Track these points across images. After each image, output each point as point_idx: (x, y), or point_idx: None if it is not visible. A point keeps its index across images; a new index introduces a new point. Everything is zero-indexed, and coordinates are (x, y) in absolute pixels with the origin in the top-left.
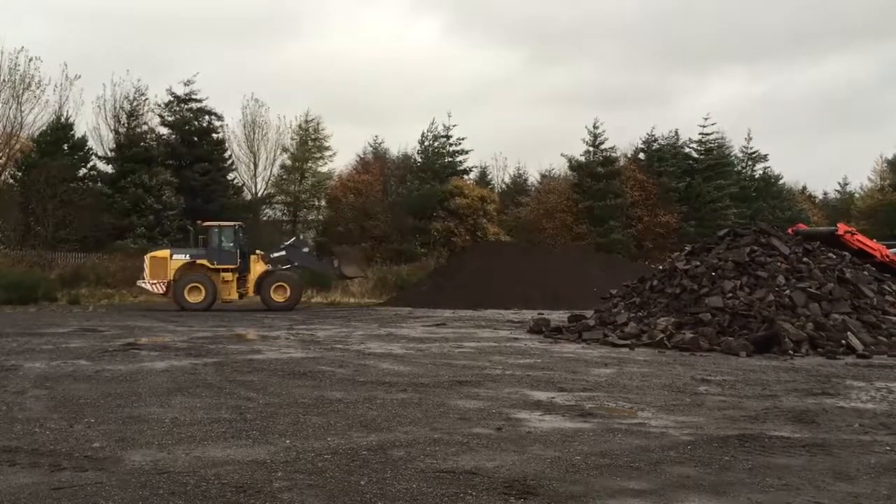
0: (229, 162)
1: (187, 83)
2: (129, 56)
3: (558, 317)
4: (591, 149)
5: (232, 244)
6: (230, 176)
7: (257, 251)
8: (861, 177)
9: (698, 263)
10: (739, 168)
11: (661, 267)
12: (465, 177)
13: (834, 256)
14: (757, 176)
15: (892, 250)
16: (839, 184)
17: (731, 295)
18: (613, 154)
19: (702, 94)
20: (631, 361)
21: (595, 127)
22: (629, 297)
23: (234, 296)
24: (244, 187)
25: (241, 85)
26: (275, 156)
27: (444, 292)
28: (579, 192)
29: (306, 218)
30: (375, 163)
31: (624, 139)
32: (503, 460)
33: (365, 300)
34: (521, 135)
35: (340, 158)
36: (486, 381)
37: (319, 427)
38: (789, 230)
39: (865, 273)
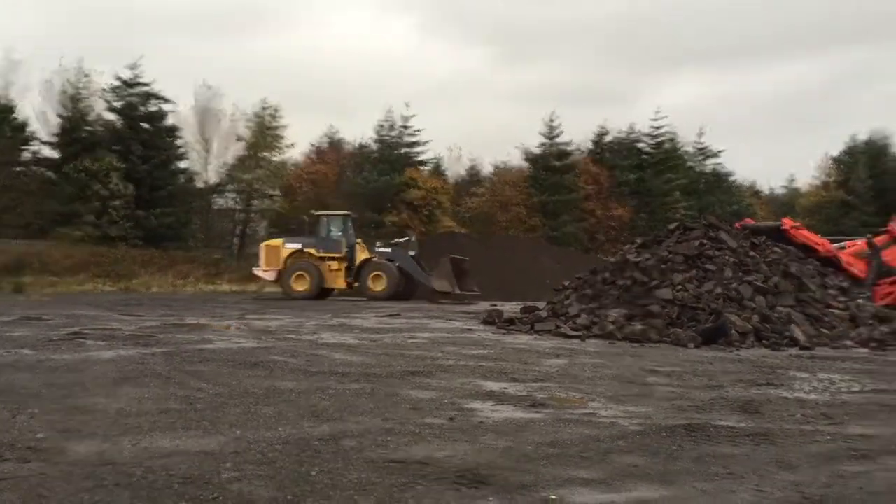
0: (181, 150)
1: (133, 67)
2: (93, 49)
3: (511, 308)
4: (547, 141)
5: (340, 233)
6: (182, 164)
7: (358, 240)
8: (808, 174)
9: (649, 256)
10: (691, 163)
11: (612, 259)
12: (422, 168)
13: (779, 251)
14: (707, 171)
15: (835, 245)
16: (787, 180)
17: (680, 287)
18: (568, 148)
19: (665, 95)
20: (582, 352)
21: (551, 120)
22: (581, 288)
23: (342, 284)
24: (195, 175)
25: (210, 79)
26: (228, 144)
27: None
28: (534, 186)
29: (260, 207)
30: (331, 153)
31: (585, 136)
32: (455, 450)
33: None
34: (487, 132)
35: (301, 150)
36: (439, 371)
37: (270, 417)
38: (737, 224)
39: (809, 267)
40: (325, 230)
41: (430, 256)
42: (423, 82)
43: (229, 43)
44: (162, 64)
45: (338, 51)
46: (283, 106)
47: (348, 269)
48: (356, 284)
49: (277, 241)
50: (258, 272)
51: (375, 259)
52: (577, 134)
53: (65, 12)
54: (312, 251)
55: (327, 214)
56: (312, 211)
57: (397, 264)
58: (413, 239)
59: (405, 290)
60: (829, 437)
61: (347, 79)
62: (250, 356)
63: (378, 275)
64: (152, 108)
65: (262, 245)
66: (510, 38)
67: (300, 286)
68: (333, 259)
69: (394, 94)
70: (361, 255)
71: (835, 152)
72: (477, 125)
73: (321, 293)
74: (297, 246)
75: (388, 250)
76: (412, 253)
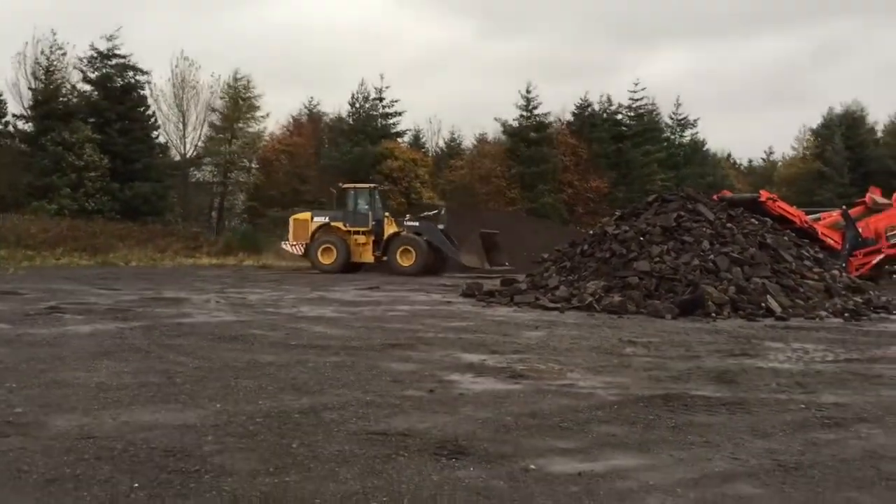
0: (152, 120)
1: (110, 38)
2: (71, 22)
3: (491, 280)
4: (524, 113)
5: (367, 206)
6: (156, 135)
7: (387, 213)
8: (786, 146)
9: (627, 228)
10: (668, 134)
11: (591, 231)
12: (399, 139)
13: (756, 222)
14: (685, 143)
15: (811, 217)
16: (765, 152)
17: (658, 259)
18: (546, 120)
19: (649, 68)
20: (561, 324)
21: (528, 91)
22: (560, 261)
23: (370, 258)
24: (172, 147)
25: (192, 53)
26: (205, 115)
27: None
28: (512, 158)
29: (237, 180)
30: (309, 125)
31: (564, 108)
32: (435, 422)
33: (297, 263)
34: (471, 105)
35: (280, 121)
36: (419, 343)
37: (251, 390)
38: (714, 196)
39: (785, 238)
40: (352, 203)
41: None
42: (407, 55)
43: (213, 16)
44: (142, 37)
45: (322, 24)
46: (261, 78)
47: (376, 242)
48: (384, 259)
49: (306, 215)
50: (286, 246)
51: (404, 233)
52: (558, 107)
53: None
54: (340, 225)
55: (354, 187)
56: (340, 183)
57: (426, 238)
58: (443, 212)
59: (434, 264)
60: (802, 406)
61: (332, 53)
62: (230, 330)
63: (407, 249)
64: (129, 80)
65: (291, 219)
66: (495, 10)
67: (327, 260)
68: (360, 233)
69: (378, 66)
70: (389, 228)
71: (813, 125)
72: (461, 98)
73: (349, 267)
74: (325, 219)
75: (417, 224)
76: (441, 227)
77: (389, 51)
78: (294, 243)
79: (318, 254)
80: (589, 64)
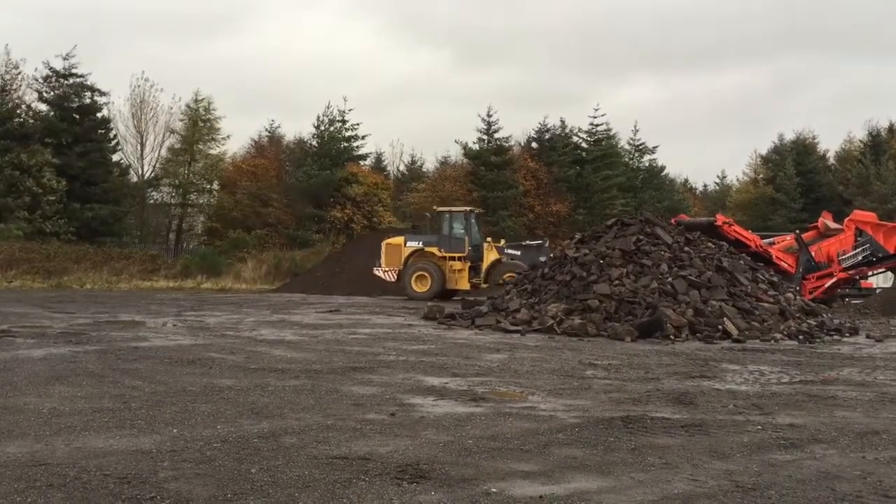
0: (114, 142)
1: (66, 57)
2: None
3: (452, 303)
4: (485, 137)
5: (462, 231)
6: (115, 157)
7: (488, 238)
8: (738, 171)
9: (587, 251)
10: (627, 159)
11: (551, 255)
12: (362, 163)
13: (713, 246)
14: (644, 167)
15: (765, 241)
16: (718, 177)
17: (617, 282)
18: (507, 143)
19: (618, 98)
20: (522, 347)
21: (489, 115)
22: (521, 284)
23: (465, 285)
24: (130, 168)
25: (173, 80)
26: (164, 137)
27: (338, 278)
28: (474, 182)
29: (197, 202)
30: (271, 147)
31: (525, 133)
32: (396, 445)
33: (257, 286)
34: (443, 133)
35: (242, 144)
36: (380, 367)
37: (208, 415)
38: (672, 220)
39: (741, 262)
40: (447, 228)
41: (370, 252)
42: (381, 84)
43: (177, 44)
44: (105, 63)
45: (298, 54)
46: (227, 102)
47: (472, 268)
48: (485, 286)
49: (399, 240)
50: (378, 272)
51: (505, 260)
52: (521, 132)
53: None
54: (434, 250)
55: (449, 211)
56: (435, 207)
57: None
58: (546, 244)
59: None
60: (759, 427)
61: (308, 82)
62: (187, 353)
63: (513, 276)
64: (87, 101)
65: (384, 244)
66: (469, 41)
67: (420, 287)
68: (457, 259)
69: (345, 94)
70: (490, 254)
71: (763, 151)
72: (428, 124)
73: (443, 294)
74: (419, 244)
75: (518, 252)
76: (543, 258)
77: (366, 79)
78: (387, 269)
79: (412, 280)
80: (559, 94)
